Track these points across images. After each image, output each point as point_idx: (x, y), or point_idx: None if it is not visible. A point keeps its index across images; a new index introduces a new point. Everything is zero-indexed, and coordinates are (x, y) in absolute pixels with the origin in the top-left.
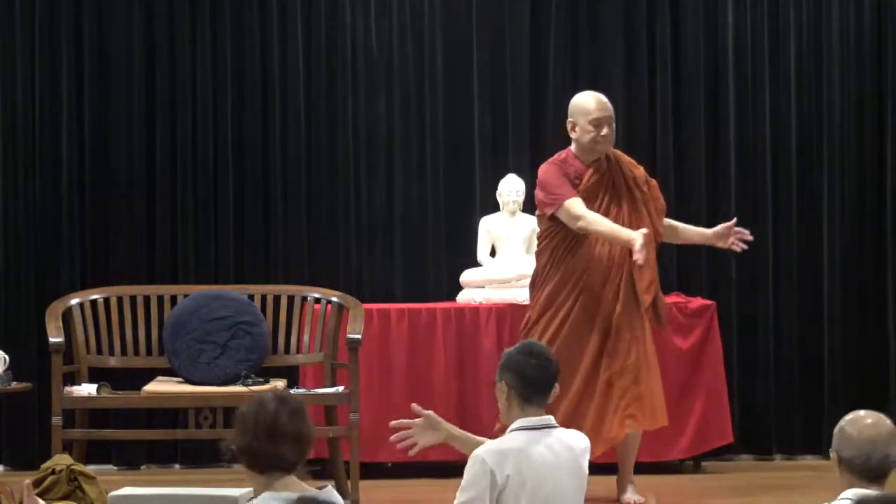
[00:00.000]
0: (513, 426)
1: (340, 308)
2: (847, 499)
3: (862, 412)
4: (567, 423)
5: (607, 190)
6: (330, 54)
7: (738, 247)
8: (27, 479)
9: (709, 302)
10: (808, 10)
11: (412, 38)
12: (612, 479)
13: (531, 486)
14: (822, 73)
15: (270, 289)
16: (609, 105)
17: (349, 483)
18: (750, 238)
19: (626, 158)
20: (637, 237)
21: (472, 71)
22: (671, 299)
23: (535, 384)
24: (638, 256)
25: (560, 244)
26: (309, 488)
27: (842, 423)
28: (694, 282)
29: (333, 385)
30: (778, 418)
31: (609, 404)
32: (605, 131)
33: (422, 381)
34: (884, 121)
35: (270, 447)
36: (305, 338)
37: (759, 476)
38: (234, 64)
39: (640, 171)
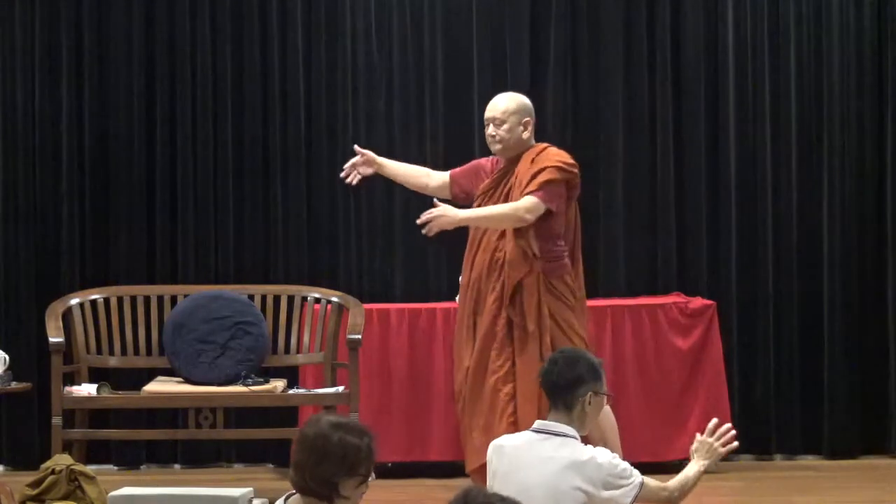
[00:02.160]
0: None
1: (340, 308)
2: None
3: None
4: (462, 425)
5: (501, 189)
6: (330, 55)
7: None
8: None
9: (709, 302)
10: (808, 9)
11: (412, 38)
12: None
13: (504, 481)
14: (822, 72)
15: (270, 289)
16: (498, 105)
17: None
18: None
19: (536, 156)
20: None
21: (471, 71)
22: (671, 299)
23: (547, 388)
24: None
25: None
26: None
27: None
28: (694, 282)
29: (333, 385)
30: (778, 418)
31: (496, 409)
32: (489, 130)
33: (422, 381)
34: (884, 120)
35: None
36: (305, 338)
37: (759, 476)
38: (234, 64)
39: (535, 166)
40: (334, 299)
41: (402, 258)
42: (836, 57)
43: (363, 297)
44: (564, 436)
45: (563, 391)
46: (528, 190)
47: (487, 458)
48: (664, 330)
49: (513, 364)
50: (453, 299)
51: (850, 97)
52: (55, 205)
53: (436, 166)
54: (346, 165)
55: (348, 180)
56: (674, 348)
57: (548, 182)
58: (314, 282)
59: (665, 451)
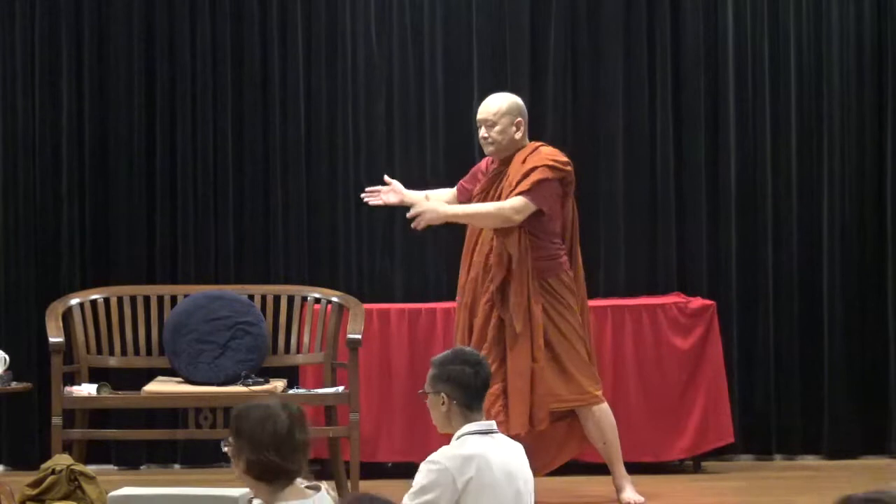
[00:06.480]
0: (463, 431)
1: (340, 308)
2: None
3: None
4: None
5: (495, 190)
6: (330, 55)
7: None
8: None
9: (709, 302)
10: (808, 11)
11: (412, 39)
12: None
13: (492, 489)
14: (822, 72)
15: (270, 289)
16: (489, 107)
17: (349, 483)
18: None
19: (528, 155)
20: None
21: (471, 71)
22: (671, 299)
23: (474, 391)
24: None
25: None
26: (306, 491)
27: None
28: (694, 282)
29: (333, 385)
30: (778, 418)
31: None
32: (481, 133)
33: (422, 382)
34: (884, 121)
35: (285, 461)
36: (305, 338)
37: (759, 476)
38: (234, 64)
39: (527, 165)
40: (334, 299)
41: (402, 258)
42: (836, 57)
43: (363, 297)
44: (498, 431)
45: (484, 389)
46: (518, 190)
47: (453, 470)
48: (664, 330)
49: (502, 364)
50: (453, 299)
51: (851, 97)
52: (55, 205)
53: (435, 167)
54: (370, 189)
55: (367, 200)
56: (674, 348)
57: (539, 182)
58: (314, 282)
59: (665, 451)
